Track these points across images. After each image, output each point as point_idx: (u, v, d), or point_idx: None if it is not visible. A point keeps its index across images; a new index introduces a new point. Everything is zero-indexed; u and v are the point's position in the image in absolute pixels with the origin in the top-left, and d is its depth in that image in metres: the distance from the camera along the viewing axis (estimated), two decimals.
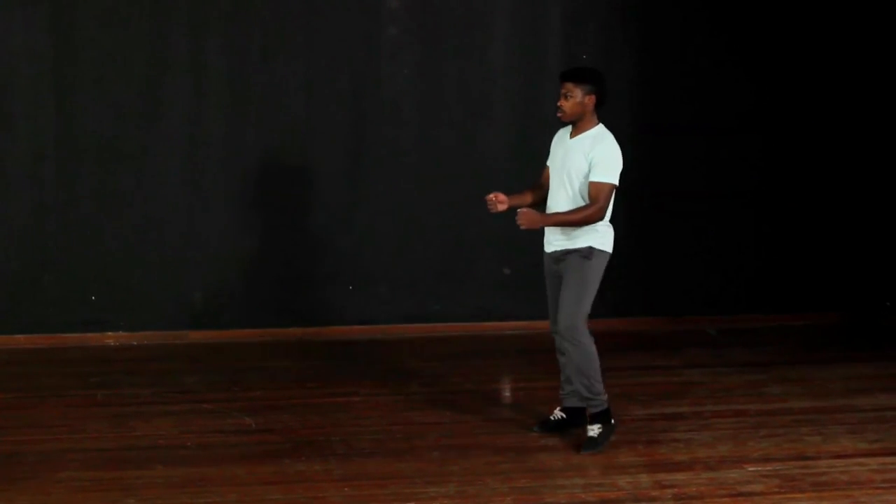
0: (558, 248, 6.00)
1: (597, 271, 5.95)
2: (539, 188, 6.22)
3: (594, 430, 5.95)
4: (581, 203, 5.91)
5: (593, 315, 6.03)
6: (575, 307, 5.90)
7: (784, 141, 9.07)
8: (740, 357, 8.04)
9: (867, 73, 9.08)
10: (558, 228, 5.97)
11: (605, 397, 5.97)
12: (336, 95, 8.42)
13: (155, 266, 8.24)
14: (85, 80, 8.06)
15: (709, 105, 8.92)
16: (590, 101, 5.91)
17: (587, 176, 5.87)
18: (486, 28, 8.60)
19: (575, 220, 5.85)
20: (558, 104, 5.94)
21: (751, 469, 5.67)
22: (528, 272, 8.71)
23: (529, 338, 8.53)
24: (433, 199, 8.61)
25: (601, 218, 5.87)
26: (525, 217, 5.83)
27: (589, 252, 5.92)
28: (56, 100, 8.02)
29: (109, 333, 8.18)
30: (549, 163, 6.19)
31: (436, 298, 8.68)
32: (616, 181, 5.87)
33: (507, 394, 7.34)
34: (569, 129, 6.06)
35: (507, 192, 6.07)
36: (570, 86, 5.91)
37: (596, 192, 5.84)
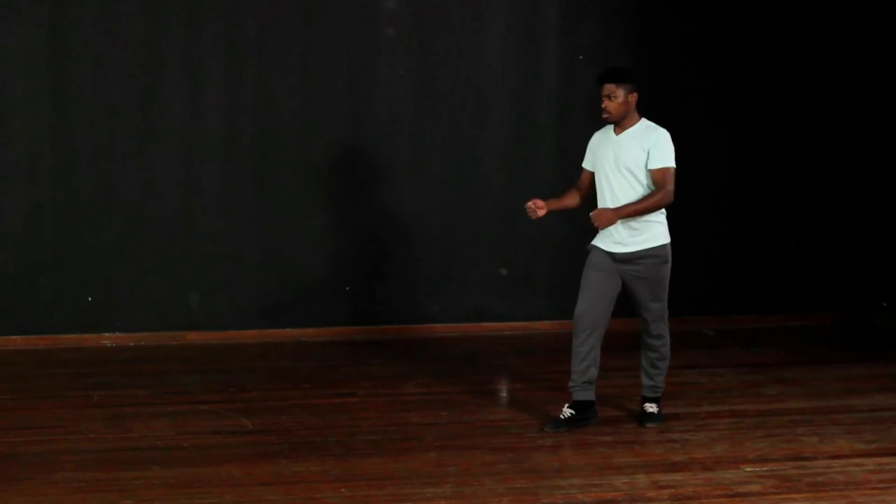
0: (631, 250, 6.12)
1: (670, 267, 6.22)
2: (578, 191, 6.36)
3: (653, 408, 6.38)
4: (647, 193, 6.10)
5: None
6: (662, 308, 6.25)
7: (781, 142, 9.08)
8: (737, 358, 8.04)
9: (864, 74, 9.10)
10: (625, 227, 6.07)
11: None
12: (333, 96, 8.42)
13: (152, 267, 8.24)
14: (81, 80, 8.05)
15: (706, 105, 8.94)
16: (633, 98, 6.14)
17: (647, 165, 6.06)
18: (483, 29, 8.60)
19: (648, 206, 6.05)
20: (603, 106, 6.11)
21: (748, 469, 5.67)
22: (525, 273, 8.74)
23: (526, 338, 8.54)
24: (430, 200, 8.61)
25: (671, 200, 6.08)
26: (601, 217, 6.05)
27: (666, 254, 6.16)
28: (52, 99, 8.01)
29: (106, 334, 8.17)
30: (587, 165, 6.33)
31: (433, 299, 8.68)
32: (675, 165, 6.09)
33: (504, 394, 7.34)
34: (609, 128, 6.22)
35: (545, 198, 6.25)
36: (612, 87, 6.10)
37: (661, 177, 6.05)
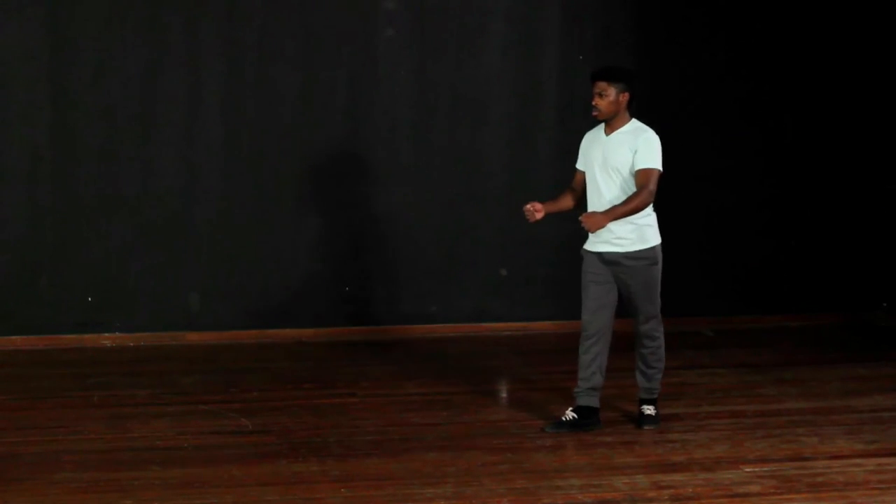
0: (620, 251, 6.11)
1: (660, 268, 6.21)
2: (572, 192, 6.36)
3: (651, 410, 6.34)
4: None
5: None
6: (654, 308, 6.21)
7: (781, 142, 9.08)
8: (737, 358, 8.04)
9: (865, 74, 9.09)
10: (615, 228, 6.05)
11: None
12: (333, 97, 8.42)
13: (152, 267, 8.24)
14: (81, 81, 8.05)
15: (707, 106, 8.93)
16: (623, 98, 6.09)
17: (633, 167, 6.03)
18: (483, 30, 8.60)
19: (632, 207, 6.00)
20: (593, 103, 6.09)
21: (747, 470, 5.67)
22: (525, 274, 8.74)
23: (526, 339, 8.54)
24: (430, 201, 8.60)
25: (651, 202, 6.04)
26: (591, 221, 6.01)
27: (656, 255, 6.14)
28: (52, 100, 8.01)
29: (106, 335, 8.17)
30: (580, 165, 6.33)
31: (433, 300, 8.68)
32: (661, 168, 6.05)
33: (504, 395, 7.34)
34: (600, 128, 6.20)
35: (542, 200, 6.21)
36: (603, 85, 6.07)
37: (644, 177, 6.00)
